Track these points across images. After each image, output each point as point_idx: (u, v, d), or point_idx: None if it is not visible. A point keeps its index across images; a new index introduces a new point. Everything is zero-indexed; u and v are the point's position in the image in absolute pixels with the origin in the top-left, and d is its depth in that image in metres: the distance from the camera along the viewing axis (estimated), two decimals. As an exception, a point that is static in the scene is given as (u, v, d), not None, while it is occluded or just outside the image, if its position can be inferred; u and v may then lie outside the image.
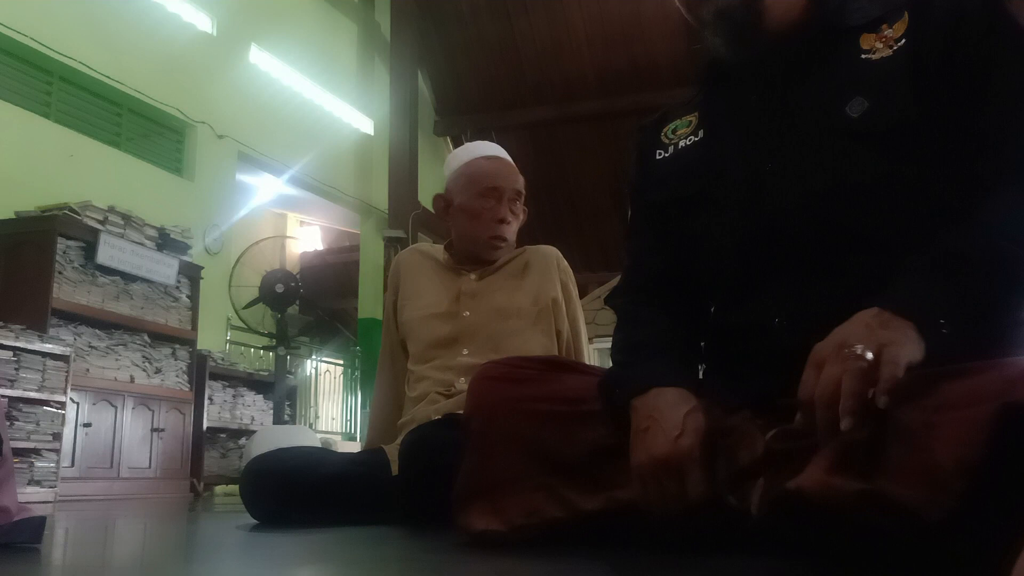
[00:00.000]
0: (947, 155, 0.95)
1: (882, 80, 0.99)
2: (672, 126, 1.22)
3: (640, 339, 1.13)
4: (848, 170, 0.98)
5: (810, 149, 1.02)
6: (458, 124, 9.82)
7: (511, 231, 1.92)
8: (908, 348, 0.81)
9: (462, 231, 1.92)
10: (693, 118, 1.20)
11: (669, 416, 0.98)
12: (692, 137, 1.18)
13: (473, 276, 1.91)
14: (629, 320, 1.19)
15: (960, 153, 0.94)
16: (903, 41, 1.00)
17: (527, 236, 2.06)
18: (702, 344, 1.16)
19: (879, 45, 1.02)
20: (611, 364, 1.17)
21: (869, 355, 0.79)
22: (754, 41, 1.10)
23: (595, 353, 7.80)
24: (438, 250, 2.01)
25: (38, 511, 1.25)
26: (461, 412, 1.28)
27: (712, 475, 0.96)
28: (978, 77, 0.95)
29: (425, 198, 8.14)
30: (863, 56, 1.02)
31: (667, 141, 1.21)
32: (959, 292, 0.85)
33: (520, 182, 1.94)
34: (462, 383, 1.75)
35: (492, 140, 2.22)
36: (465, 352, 1.81)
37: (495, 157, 1.96)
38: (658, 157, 1.21)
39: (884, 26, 1.02)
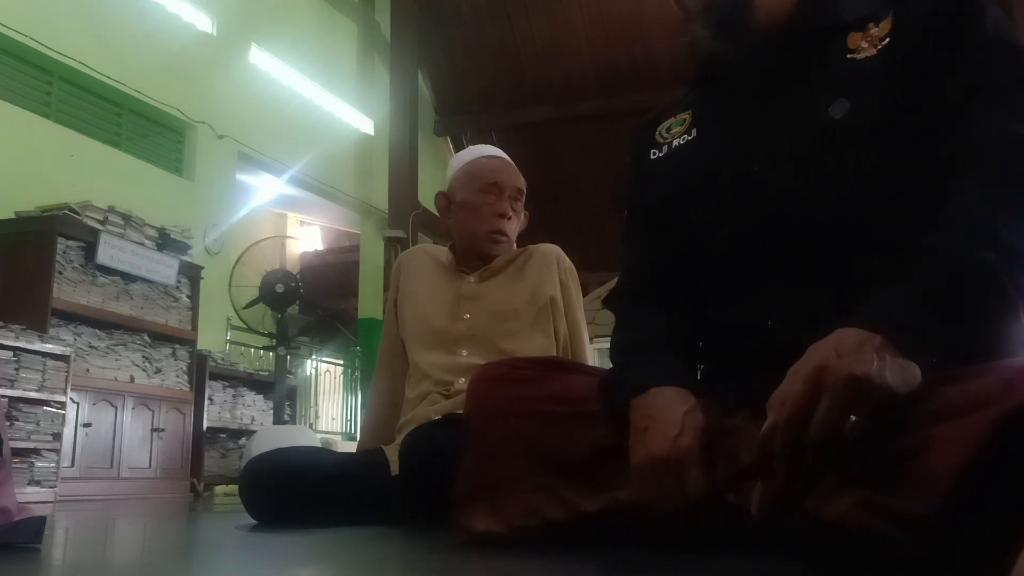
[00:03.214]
0: (925, 152, 0.94)
1: (865, 81, 0.98)
2: (666, 124, 1.21)
3: (638, 340, 1.13)
4: (832, 172, 0.98)
5: (796, 150, 1.01)
6: (458, 124, 9.83)
7: (511, 228, 1.93)
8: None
9: (463, 227, 1.93)
10: (687, 116, 1.19)
11: (668, 415, 0.97)
12: (686, 136, 1.16)
13: (472, 279, 1.91)
14: (627, 321, 1.19)
15: (932, 148, 0.94)
16: (887, 40, 0.99)
17: (527, 235, 2.06)
18: (701, 344, 1.15)
19: (864, 44, 1.01)
20: (610, 365, 1.17)
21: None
22: (742, 36, 1.09)
23: (595, 353, 7.80)
24: (442, 251, 2.02)
25: (38, 511, 1.25)
26: (461, 412, 1.28)
27: (712, 472, 0.96)
28: (947, 70, 0.94)
29: (425, 198, 8.13)
30: (848, 56, 1.01)
31: (661, 140, 1.20)
32: (947, 317, 0.82)
33: (521, 181, 1.96)
34: (462, 383, 1.75)
35: (492, 140, 2.23)
36: (464, 353, 1.82)
37: (497, 156, 1.98)
38: (652, 157, 1.21)
39: (871, 25, 1.01)
